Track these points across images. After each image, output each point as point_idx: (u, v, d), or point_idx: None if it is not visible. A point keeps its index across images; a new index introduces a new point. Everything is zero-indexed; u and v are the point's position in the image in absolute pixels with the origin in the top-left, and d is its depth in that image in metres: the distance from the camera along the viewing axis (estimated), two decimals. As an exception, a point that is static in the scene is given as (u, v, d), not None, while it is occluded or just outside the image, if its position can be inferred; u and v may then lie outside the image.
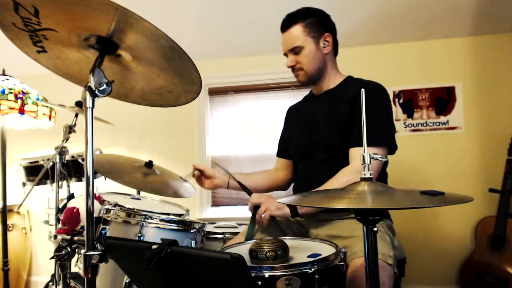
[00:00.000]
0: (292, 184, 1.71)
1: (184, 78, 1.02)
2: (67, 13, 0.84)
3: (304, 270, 0.95)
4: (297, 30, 1.51)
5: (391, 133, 1.44)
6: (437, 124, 2.82)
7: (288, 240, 1.24)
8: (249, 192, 1.54)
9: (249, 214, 1.43)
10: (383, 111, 1.43)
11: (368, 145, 1.33)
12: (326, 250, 1.12)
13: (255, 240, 1.04)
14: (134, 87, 1.12)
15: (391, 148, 1.44)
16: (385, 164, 1.50)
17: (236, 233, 1.69)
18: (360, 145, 1.33)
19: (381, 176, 1.49)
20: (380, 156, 0.94)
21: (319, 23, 1.53)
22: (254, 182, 1.72)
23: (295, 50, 1.52)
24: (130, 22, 0.85)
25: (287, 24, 1.53)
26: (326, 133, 1.50)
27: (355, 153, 1.39)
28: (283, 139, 1.80)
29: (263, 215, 1.35)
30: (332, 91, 1.58)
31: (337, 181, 1.34)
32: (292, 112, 1.79)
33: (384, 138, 1.41)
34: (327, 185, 1.35)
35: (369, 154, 0.92)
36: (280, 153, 1.81)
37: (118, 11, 0.81)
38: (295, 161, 1.69)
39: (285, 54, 1.57)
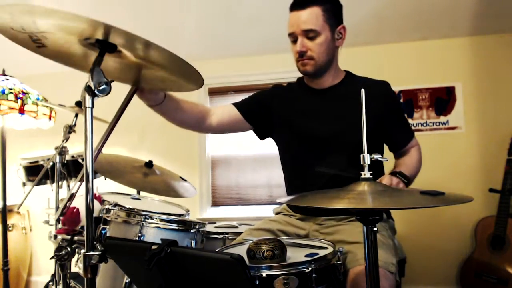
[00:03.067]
0: (287, 180, 1.60)
1: (186, 75, 1.02)
2: (61, 21, 0.84)
3: (301, 269, 0.95)
4: (316, 12, 1.34)
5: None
6: (437, 124, 2.82)
7: (285, 240, 1.24)
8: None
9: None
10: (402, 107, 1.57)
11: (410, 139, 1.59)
12: (323, 249, 1.12)
13: (252, 240, 1.04)
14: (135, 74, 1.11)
15: None
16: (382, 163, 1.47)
17: (236, 233, 1.68)
18: (409, 140, 1.62)
19: (380, 174, 1.47)
20: (380, 156, 0.93)
21: (336, 11, 1.41)
22: (182, 109, 1.43)
23: (309, 34, 1.35)
24: (119, 34, 0.86)
25: (303, 1, 1.35)
26: (345, 134, 1.40)
27: (412, 144, 1.63)
28: (256, 101, 1.60)
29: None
30: (340, 88, 1.47)
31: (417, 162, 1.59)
32: (283, 97, 1.58)
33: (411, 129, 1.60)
34: (411, 164, 1.55)
35: (369, 154, 0.92)
36: (240, 107, 1.55)
37: (102, 27, 0.81)
38: (289, 152, 1.57)
39: (292, 36, 1.39)
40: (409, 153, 1.59)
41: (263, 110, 1.57)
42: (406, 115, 1.64)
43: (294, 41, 1.39)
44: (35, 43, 0.91)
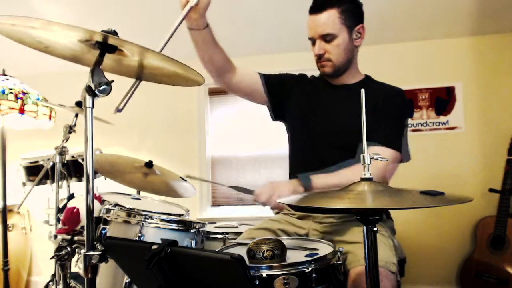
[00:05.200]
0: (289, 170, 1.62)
1: (185, 74, 1.02)
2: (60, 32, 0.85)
3: (301, 269, 0.95)
4: (333, 16, 1.37)
5: (401, 141, 1.41)
6: (437, 124, 2.82)
7: (285, 240, 1.24)
8: (249, 190, 1.41)
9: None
10: (403, 117, 1.44)
11: (383, 144, 1.34)
12: (323, 249, 1.12)
13: (252, 240, 1.04)
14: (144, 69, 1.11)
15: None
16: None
17: (236, 233, 1.68)
18: (382, 144, 1.35)
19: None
20: (381, 156, 0.93)
21: (354, 11, 1.42)
22: (215, 47, 1.50)
23: (327, 38, 1.38)
24: (118, 43, 0.86)
25: (320, 5, 1.38)
26: (348, 134, 1.39)
27: (374, 150, 1.33)
28: (280, 79, 1.62)
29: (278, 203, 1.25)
30: (354, 87, 1.47)
31: (354, 172, 1.28)
32: (303, 86, 1.59)
33: (399, 142, 1.39)
34: (342, 175, 1.31)
35: (369, 154, 0.91)
36: (264, 77, 1.59)
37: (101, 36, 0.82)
38: (298, 144, 1.58)
39: (311, 39, 1.43)
40: (354, 166, 1.34)
41: (283, 90, 1.59)
42: (398, 127, 1.42)
43: (314, 43, 1.43)
44: (41, 45, 0.92)
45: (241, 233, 1.54)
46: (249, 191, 1.39)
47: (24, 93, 2.15)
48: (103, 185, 1.83)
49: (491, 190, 2.56)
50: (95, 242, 0.91)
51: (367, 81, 1.51)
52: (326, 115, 1.49)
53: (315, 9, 1.39)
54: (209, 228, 1.78)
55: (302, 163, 1.54)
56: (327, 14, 1.37)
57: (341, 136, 1.43)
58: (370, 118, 1.36)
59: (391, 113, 1.42)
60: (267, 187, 1.31)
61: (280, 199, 0.96)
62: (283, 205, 1.29)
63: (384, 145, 1.35)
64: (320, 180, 1.32)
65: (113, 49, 0.90)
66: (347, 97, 1.46)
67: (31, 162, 2.25)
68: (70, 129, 1.88)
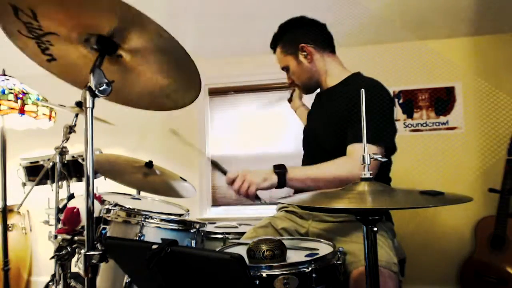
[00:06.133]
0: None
1: (184, 71, 1.02)
2: (64, 12, 0.84)
3: (301, 269, 0.95)
4: (278, 53, 1.59)
5: (387, 134, 1.34)
6: (437, 124, 2.82)
7: (285, 240, 1.24)
8: (224, 171, 1.40)
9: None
10: (377, 110, 1.34)
11: (356, 141, 1.30)
12: (323, 249, 1.12)
13: (252, 240, 1.04)
14: (141, 91, 1.11)
15: (388, 149, 1.35)
16: (388, 168, 1.48)
17: (236, 233, 1.69)
18: (358, 141, 1.29)
19: (384, 180, 1.46)
20: (380, 156, 0.93)
21: (292, 37, 1.54)
22: None
23: (284, 70, 1.60)
24: (133, 19, 0.85)
25: (272, 48, 1.62)
26: (324, 138, 1.49)
27: (352, 149, 1.32)
28: None
29: (248, 190, 1.28)
30: (333, 90, 1.52)
31: (333, 165, 1.30)
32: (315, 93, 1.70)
33: (379, 138, 1.30)
34: (321, 167, 1.31)
35: (369, 154, 0.91)
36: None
37: (120, 7, 0.81)
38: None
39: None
40: (334, 160, 1.33)
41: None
42: (376, 121, 1.32)
43: None
44: (45, 55, 0.92)
45: (241, 233, 1.54)
46: (224, 172, 1.39)
47: (24, 93, 2.15)
48: (103, 185, 1.83)
49: (491, 190, 2.56)
50: (95, 242, 0.91)
51: (350, 80, 1.50)
52: (312, 121, 1.63)
53: (273, 51, 1.62)
54: (209, 228, 1.78)
55: (304, 159, 1.65)
56: (276, 52, 1.60)
57: (321, 139, 1.51)
58: (347, 116, 1.38)
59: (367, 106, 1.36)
60: (239, 175, 1.31)
61: (281, 200, 0.97)
62: (254, 195, 1.31)
63: (358, 142, 1.31)
64: (296, 170, 1.34)
65: (114, 49, 0.90)
66: (326, 101, 1.55)
67: (31, 162, 2.25)
68: (70, 129, 1.88)
